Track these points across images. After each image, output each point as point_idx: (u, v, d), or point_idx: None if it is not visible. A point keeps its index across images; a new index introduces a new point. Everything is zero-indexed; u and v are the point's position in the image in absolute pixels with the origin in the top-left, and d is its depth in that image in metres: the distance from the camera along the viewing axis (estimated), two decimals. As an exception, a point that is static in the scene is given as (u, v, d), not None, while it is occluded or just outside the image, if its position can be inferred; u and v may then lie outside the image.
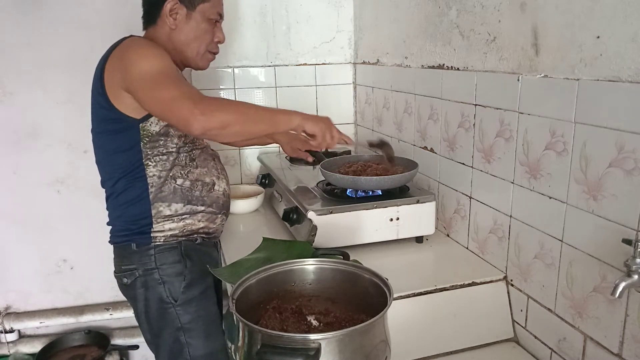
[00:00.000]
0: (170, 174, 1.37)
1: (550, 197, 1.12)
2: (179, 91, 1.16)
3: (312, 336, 0.81)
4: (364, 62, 2.21)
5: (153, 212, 1.36)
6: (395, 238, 1.50)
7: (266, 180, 1.98)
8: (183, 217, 1.38)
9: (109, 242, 1.44)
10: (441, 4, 1.51)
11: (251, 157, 2.30)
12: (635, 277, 0.84)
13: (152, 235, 1.36)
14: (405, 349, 1.16)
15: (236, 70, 2.20)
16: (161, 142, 1.34)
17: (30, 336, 2.29)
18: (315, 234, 1.41)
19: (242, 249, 1.43)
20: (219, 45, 1.49)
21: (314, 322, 1.04)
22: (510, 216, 1.27)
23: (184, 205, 1.38)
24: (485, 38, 1.31)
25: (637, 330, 0.93)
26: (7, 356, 2.22)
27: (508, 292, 1.30)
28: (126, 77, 1.22)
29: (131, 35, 1.35)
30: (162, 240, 1.37)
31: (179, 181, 1.38)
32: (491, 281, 1.31)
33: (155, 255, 1.36)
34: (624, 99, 0.91)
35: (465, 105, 1.41)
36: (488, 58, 1.30)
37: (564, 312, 1.11)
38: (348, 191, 1.53)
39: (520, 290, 1.26)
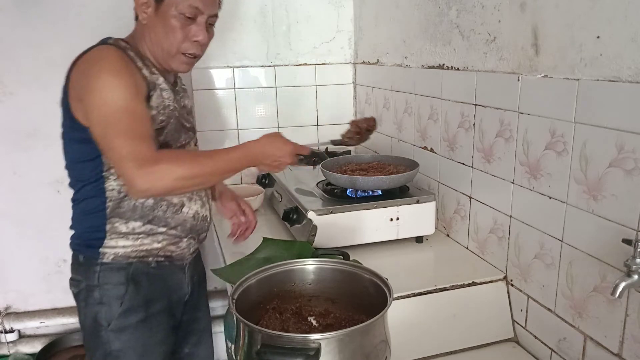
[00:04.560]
0: None
1: (550, 197, 1.12)
2: (128, 149, 1.08)
3: (312, 336, 0.81)
4: (364, 62, 2.21)
5: (107, 227, 1.26)
6: (395, 238, 1.50)
7: (266, 180, 1.98)
8: (139, 236, 1.27)
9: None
10: (441, 4, 1.51)
11: (251, 157, 2.29)
12: (635, 277, 0.84)
13: (100, 250, 1.26)
14: (405, 349, 1.16)
15: (236, 70, 2.20)
16: None
17: (30, 336, 2.29)
18: (315, 234, 1.41)
19: (242, 249, 1.43)
20: (201, 45, 1.28)
21: (314, 323, 1.04)
22: (510, 216, 1.27)
23: (142, 224, 1.27)
24: (485, 38, 1.31)
25: (637, 330, 0.93)
26: (7, 356, 2.22)
27: (508, 292, 1.30)
28: (84, 102, 1.15)
29: (104, 42, 1.25)
30: (110, 258, 1.26)
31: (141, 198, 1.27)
32: (491, 281, 1.31)
33: (100, 272, 1.26)
34: (624, 99, 0.91)
35: (465, 105, 1.41)
36: (488, 58, 1.30)
37: (564, 312, 1.11)
38: (348, 191, 1.53)
39: (520, 290, 1.26)
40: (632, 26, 0.89)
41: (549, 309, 1.16)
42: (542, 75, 1.11)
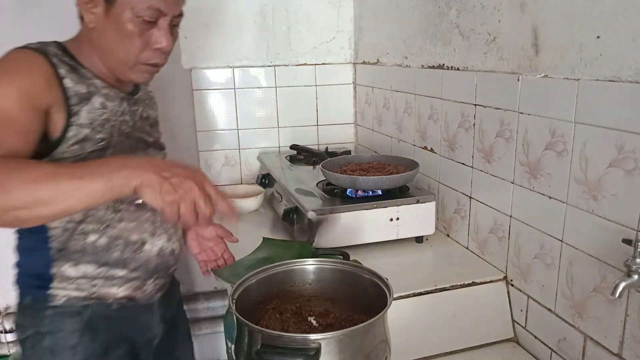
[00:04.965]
0: (80, 227, 1.05)
1: (550, 197, 1.12)
2: None
3: (312, 336, 0.81)
4: (364, 62, 2.21)
5: (53, 270, 1.06)
6: (395, 238, 1.50)
7: (266, 180, 1.98)
8: (94, 281, 1.08)
9: None
10: (441, 4, 1.51)
11: (251, 157, 2.30)
12: (635, 277, 0.84)
13: (49, 293, 1.07)
14: (405, 349, 1.16)
15: (236, 70, 2.20)
16: None
17: (30, 336, 2.28)
18: (315, 234, 1.41)
19: (242, 249, 1.42)
20: (164, 53, 1.07)
21: (314, 323, 1.04)
22: (510, 216, 1.27)
23: (96, 268, 1.07)
24: (485, 38, 1.31)
25: (637, 330, 0.93)
26: (7, 356, 2.21)
27: (508, 292, 1.30)
28: None
29: (26, 45, 1.03)
30: (62, 300, 1.07)
31: (92, 237, 1.06)
32: (491, 281, 1.31)
33: (52, 317, 1.07)
34: (624, 99, 0.91)
35: (465, 105, 1.41)
36: (488, 58, 1.30)
37: (564, 312, 1.11)
38: (348, 191, 1.53)
39: (520, 290, 1.26)
40: (632, 26, 0.88)
41: (549, 309, 1.16)
42: (542, 75, 1.11)
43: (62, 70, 1.02)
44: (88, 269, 1.07)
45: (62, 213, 0.85)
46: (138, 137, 1.15)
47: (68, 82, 1.02)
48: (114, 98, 1.10)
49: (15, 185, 0.79)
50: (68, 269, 1.06)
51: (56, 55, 1.03)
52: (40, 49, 1.02)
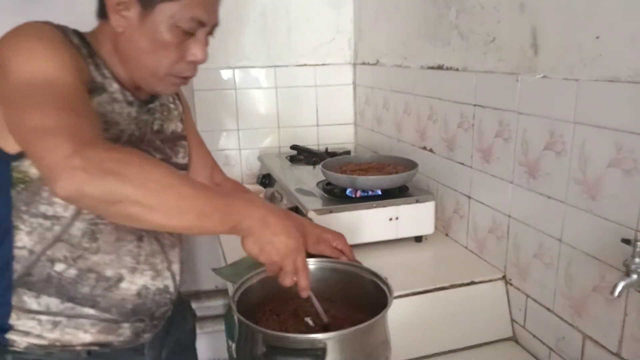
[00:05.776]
0: (49, 252, 0.90)
1: (549, 197, 1.12)
2: (56, 120, 0.71)
3: (319, 336, 0.81)
4: (363, 63, 2.22)
5: (14, 299, 0.90)
6: (394, 238, 1.50)
7: (266, 180, 1.99)
8: (57, 318, 0.91)
9: None
10: (440, 4, 1.51)
11: (251, 157, 2.30)
12: (634, 276, 0.84)
13: (8, 337, 0.90)
14: (404, 348, 1.16)
15: (236, 70, 2.21)
16: (44, 195, 0.86)
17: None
18: (315, 234, 1.41)
19: (242, 248, 1.43)
20: (196, 64, 0.97)
21: (311, 323, 1.04)
22: (509, 216, 1.27)
23: (61, 302, 0.91)
24: (484, 39, 1.31)
25: (636, 329, 0.93)
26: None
27: (507, 292, 1.31)
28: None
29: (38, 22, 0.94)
30: (22, 346, 0.91)
31: (59, 267, 0.90)
32: (490, 280, 1.31)
33: None
34: (623, 99, 0.91)
35: (464, 105, 1.42)
36: (487, 58, 1.31)
37: (562, 311, 1.11)
38: (348, 191, 1.54)
39: (519, 290, 1.26)
40: (631, 26, 0.89)
41: (547, 309, 1.16)
42: (541, 75, 1.12)
43: (84, 51, 0.93)
44: (51, 302, 0.91)
45: (177, 226, 0.75)
46: (144, 150, 1.01)
47: (93, 69, 0.93)
48: (124, 101, 0.98)
49: (154, 179, 0.70)
50: (29, 300, 0.91)
51: (75, 36, 0.95)
52: (60, 27, 0.94)
